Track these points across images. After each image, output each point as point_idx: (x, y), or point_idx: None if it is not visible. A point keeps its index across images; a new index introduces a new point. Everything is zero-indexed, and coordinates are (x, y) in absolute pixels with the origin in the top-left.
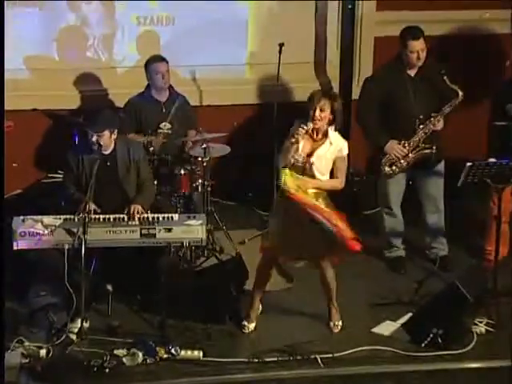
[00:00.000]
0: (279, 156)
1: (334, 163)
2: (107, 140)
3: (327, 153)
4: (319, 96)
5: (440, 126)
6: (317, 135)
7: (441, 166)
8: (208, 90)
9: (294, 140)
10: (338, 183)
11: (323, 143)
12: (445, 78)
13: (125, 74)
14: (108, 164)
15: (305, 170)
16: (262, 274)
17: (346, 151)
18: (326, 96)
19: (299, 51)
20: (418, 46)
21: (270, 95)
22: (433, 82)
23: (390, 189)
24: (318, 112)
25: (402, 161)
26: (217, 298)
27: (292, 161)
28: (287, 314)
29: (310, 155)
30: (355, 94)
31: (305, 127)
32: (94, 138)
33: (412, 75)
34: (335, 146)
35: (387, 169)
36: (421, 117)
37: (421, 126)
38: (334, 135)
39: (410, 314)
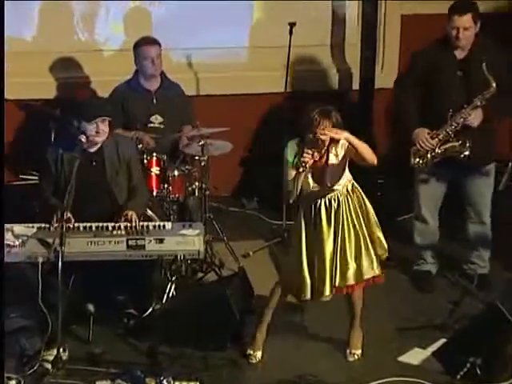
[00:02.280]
0: (285, 185)
1: (349, 154)
2: (107, 131)
3: (335, 161)
4: (320, 119)
5: (474, 120)
6: (318, 153)
7: (489, 169)
8: (206, 77)
9: (301, 170)
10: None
11: (327, 155)
12: (483, 64)
13: (110, 58)
14: (94, 164)
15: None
16: (274, 297)
17: (346, 134)
18: (326, 117)
19: (313, 32)
20: (460, 22)
21: (279, 83)
22: (479, 70)
23: (420, 190)
24: (324, 134)
25: (429, 155)
26: (217, 320)
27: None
28: (299, 338)
29: (322, 177)
30: (379, 81)
31: (309, 152)
32: (93, 129)
33: (458, 57)
34: (338, 149)
35: (414, 160)
36: (456, 107)
37: (452, 118)
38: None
39: (442, 340)
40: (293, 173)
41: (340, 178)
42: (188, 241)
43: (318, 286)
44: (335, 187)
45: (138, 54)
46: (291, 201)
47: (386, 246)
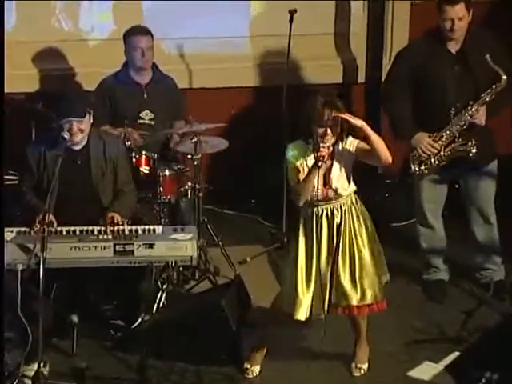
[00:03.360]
0: (293, 189)
1: (359, 154)
2: (87, 129)
3: (342, 161)
4: (327, 110)
5: (480, 118)
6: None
7: (492, 168)
8: (200, 69)
9: (320, 164)
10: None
11: (333, 153)
12: (487, 56)
13: (96, 49)
14: (79, 163)
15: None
16: (275, 311)
17: (356, 140)
18: (332, 107)
19: (315, 20)
20: (453, 12)
21: (279, 75)
22: (479, 62)
23: (424, 194)
24: (329, 129)
25: (432, 159)
26: (211, 332)
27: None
28: (299, 352)
29: (326, 181)
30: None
31: (325, 145)
32: (75, 127)
33: (453, 51)
34: (345, 148)
35: (416, 167)
36: (458, 105)
37: (456, 117)
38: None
39: (455, 354)
40: (298, 175)
41: (346, 183)
42: (180, 246)
43: (314, 305)
44: (340, 192)
45: (127, 45)
46: (301, 204)
47: (386, 269)
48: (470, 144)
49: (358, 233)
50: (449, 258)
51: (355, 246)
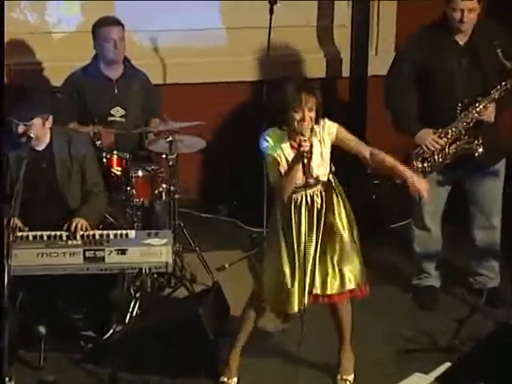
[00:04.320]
0: (274, 182)
1: (339, 144)
2: (40, 131)
3: (321, 148)
4: (304, 94)
5: (488, 115)
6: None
7: (499, 168)
8: (174, 64)
9: (306, 160)
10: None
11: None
12: (498, 50)
13: (64, 42)
14: (43, 165)
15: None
16: (249, 316)
17: (335, 125)
18: (310, 92)
19: (297, 11)
20: (464, 4)
21: (258, 70)
22: (488, 55)
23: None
24: (306, 114)
25: (436, 157)
26: (188, 342)
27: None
28: (281, 364)
29: (306, 170)
30: (372, 68)
31: (305, 138)
32: (21, 129)
33: (461, 43)
34: (325, 136)
35: (418, 165)
36: (465, 100)
37: (463, 114)
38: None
39: (447, 364)
40: (279, 167)
41: (327, 169)
42: (154, 251)
43: (300, 295)
44: (321, 178)
45: (98, 36)
46: (285, 198)
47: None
48: (476, 142)
49: (337, 215)
50: (443, 263)
51: (335, 229)
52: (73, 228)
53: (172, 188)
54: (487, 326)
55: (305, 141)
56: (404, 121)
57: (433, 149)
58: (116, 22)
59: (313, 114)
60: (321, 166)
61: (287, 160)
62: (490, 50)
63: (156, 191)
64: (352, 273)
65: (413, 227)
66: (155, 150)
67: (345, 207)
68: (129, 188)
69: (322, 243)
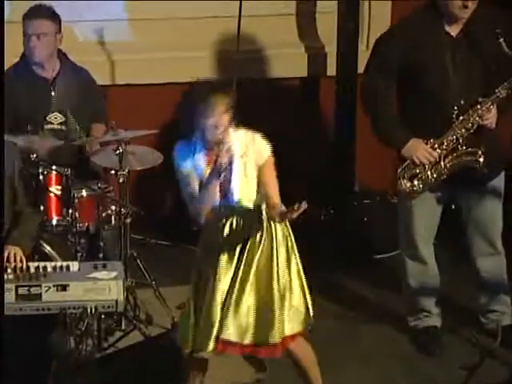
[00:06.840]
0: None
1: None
2: None
3: (247, 169)
4: (217, 98)
5: (491, 118)
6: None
7: (498, 183)
8: (125, 60)
9: (221, 176)
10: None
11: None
12: (501, 41)
13: None
14: None
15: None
16: (195, 360)
17: (267, 150)
18: (223, 92)
19: None
20: None
21: (227, 67)
22: (486, 49)
23: (415, 218)
24: (220, 120)
25: (430, 172)
26: None
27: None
28: None
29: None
30: (362, 64)
31: (223, 157)
32: None
33: (453, 34)
34: (250, 152)
35: (406, 184)
36: (462, 102)
37: (460, 118)
38: (235, 136)
39: None
40: (193, 184)
41: (252, 194)
42: (101, 287)
43: (201, 339)
44: (245, 203)
45: (24, 30)
46: (202, 221)
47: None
48: (478, 153)
49: (274, 250)
50: (443, 298)
51: (265, 268)
52: (5, 258)
53: (123, 210)
54: (502, 373)
55: (221, 151)
56: (387, 129)
57: (426, 162)
58: (45, 14)
59: (225, 120)
60: (244, 188)
61: (202, 175)
62: (490, 40)
63: (103, 214)
64: (292, 320)
65: (405, 259)
66: (102, 164)
67: (285, 240)
68: (71, 211)
69: (241, 282)
